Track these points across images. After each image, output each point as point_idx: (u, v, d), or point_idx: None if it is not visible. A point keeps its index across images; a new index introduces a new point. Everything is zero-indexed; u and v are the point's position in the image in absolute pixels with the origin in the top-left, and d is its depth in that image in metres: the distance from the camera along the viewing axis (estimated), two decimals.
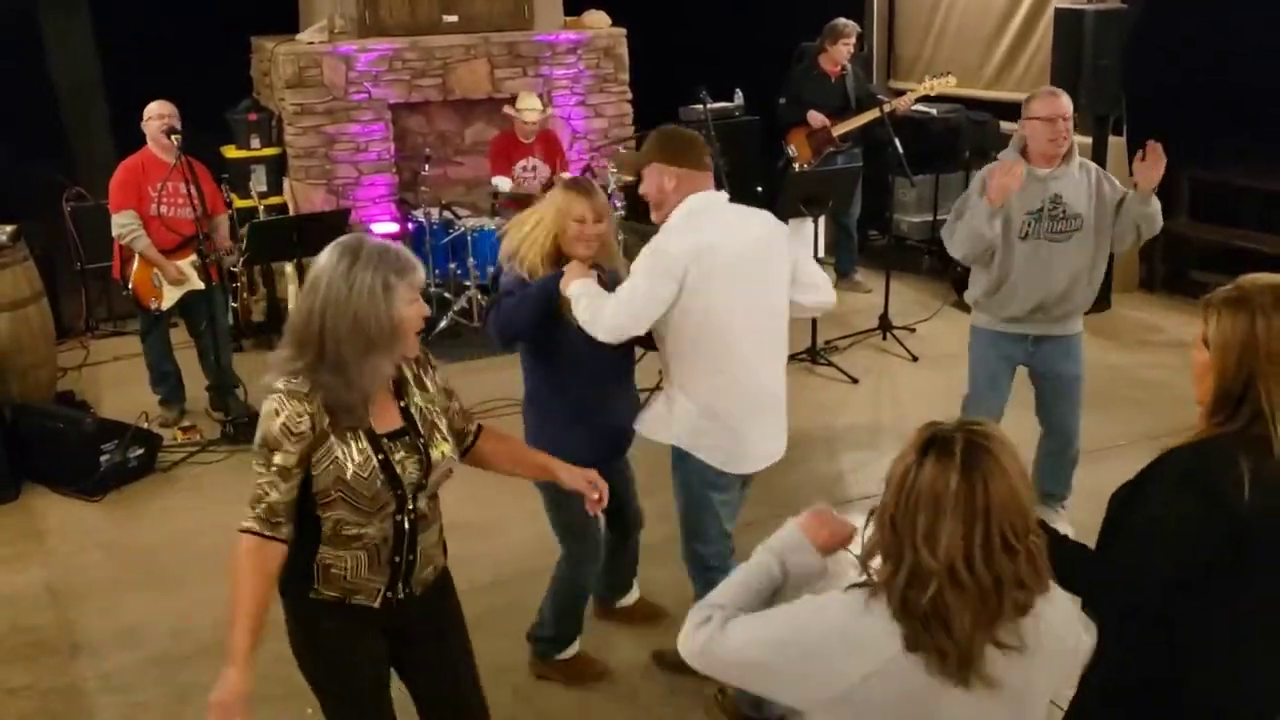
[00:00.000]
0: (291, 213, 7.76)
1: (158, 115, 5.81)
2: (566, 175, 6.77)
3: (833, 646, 1.83)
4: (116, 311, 7.58)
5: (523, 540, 4.62)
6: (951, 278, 7.56)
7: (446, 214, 7.52)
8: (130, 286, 5.93)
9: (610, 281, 3.52)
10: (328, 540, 2.51)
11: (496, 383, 5.73)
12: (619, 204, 7.27)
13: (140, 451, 5.57)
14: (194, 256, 5.84)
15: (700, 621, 1.99)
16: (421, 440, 2.58)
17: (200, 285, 5.89)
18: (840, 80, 7.80)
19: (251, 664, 2.37)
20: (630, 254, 3.62)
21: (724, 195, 3.52)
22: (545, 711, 3.84)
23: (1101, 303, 7.46)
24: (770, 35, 8.73)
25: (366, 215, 8.11)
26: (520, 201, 7.47)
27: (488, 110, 8.41)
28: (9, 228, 6.05)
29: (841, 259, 8.19)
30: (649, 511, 4.11)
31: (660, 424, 3.55)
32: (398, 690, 2.79)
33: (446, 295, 7.53)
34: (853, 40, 7.78)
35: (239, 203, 7.41)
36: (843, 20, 7.79)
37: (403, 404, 2.59)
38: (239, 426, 5.89)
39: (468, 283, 7.39)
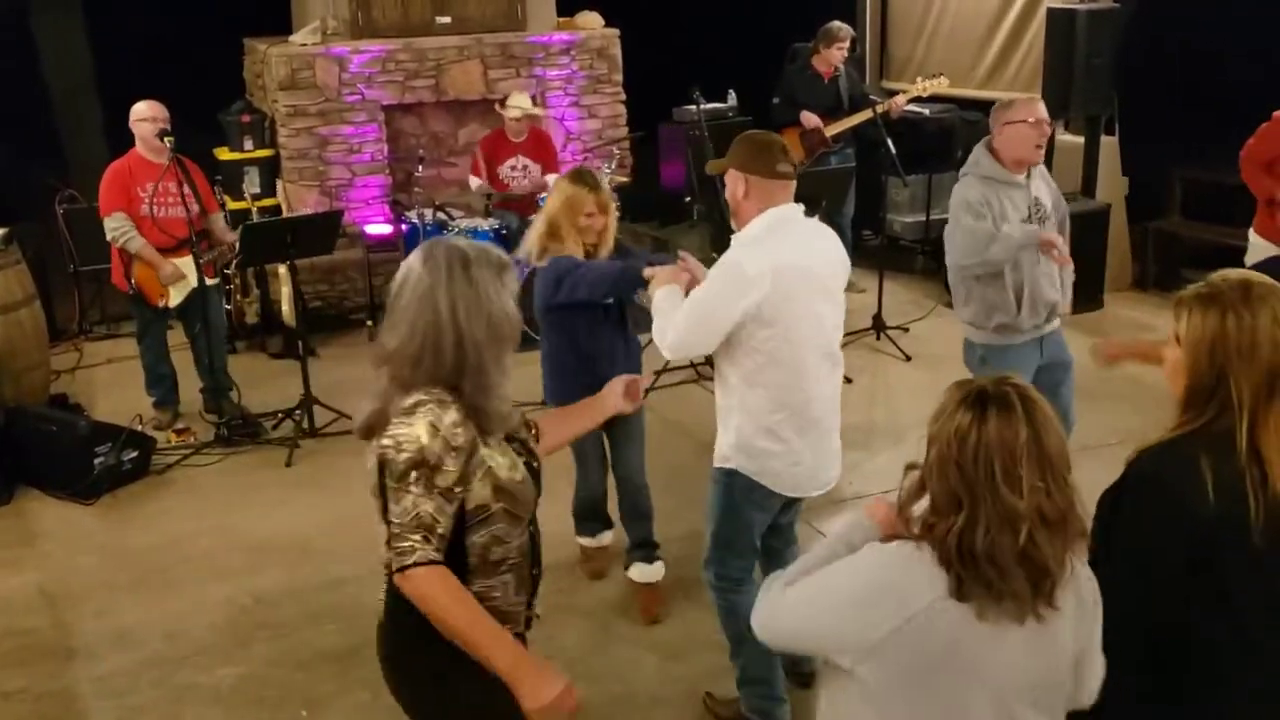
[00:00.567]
0: (285, 214, 7.75)
1: (150, 118, 5.75)
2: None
3: (878, 593, 1.95)
4: (110, 314, 7.58)
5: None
6: (945, 279, 7.55)
7: (440, 215, 7.51)
8: (136, 286, 5.84)
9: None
10: (475, 570, 2.33)
11: None
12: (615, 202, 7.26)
13: (134, 454, 5.56)
14: (190, 256, 5.79)
15: (769, 591, 2.17)
16: (528, 441, 2.51)
17: (197, 283, 5.85)
18: (833, 81, 7.81)
19: (538, 659, 2.28)
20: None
21: (800, 208, 3.35)
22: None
23: (1094, 302, 7.50)
24: (763, 36, 8.76)
25: (360, 217, 8.11)
26: (513, 202, 7.51)
27: (481, 111, 8.41)
28: (1, 230, 6.04)
29: None
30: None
31: (721, 447, 3.44)
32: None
33: None
34: (847, 44, 7.79)
35: (232, 204, 7.41)
36: (837, 24, 7.80)
37: None
38: (233, 429, 5.90)
39: None
